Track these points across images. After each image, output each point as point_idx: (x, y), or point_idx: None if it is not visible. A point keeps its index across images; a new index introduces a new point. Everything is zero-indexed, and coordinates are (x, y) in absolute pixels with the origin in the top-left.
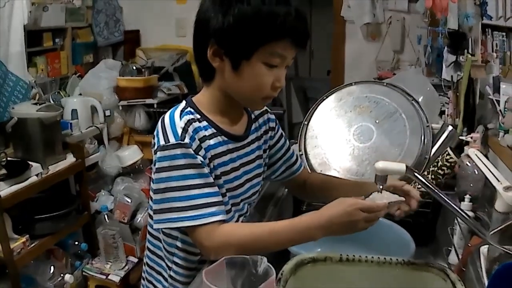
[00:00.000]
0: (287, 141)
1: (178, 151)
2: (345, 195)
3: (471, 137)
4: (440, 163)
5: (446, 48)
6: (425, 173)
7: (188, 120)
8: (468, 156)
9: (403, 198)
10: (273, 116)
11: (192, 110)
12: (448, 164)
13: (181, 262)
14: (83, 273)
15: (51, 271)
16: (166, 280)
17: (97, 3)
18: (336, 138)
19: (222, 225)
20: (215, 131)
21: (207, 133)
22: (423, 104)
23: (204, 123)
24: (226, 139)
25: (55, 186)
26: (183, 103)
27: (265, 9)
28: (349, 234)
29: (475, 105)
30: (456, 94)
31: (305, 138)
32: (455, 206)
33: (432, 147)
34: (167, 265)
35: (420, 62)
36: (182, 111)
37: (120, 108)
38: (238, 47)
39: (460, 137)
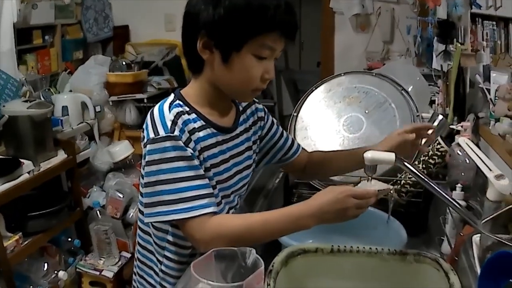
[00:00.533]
0: (280, 127)
1: (168, 143)
2: (340, 166)
3: (462, 126)
4: (431, 152)
5: (435, 37)
6: (416, 162)
7: (178, 113)
8: (459, 145)
9: (391, 187)
10: (260, 106)
11: (181, 103)
12: (439, 154)
13: (172, 256)
14: (77, 269)
15: (45, 268)
16: (157, 274)
17: (86, 0)
18: (326, 129)
19: (213, 217)
20: (204, 123)
21: (196, 125)
22: (413, 93)
23: (193, 115)
24: (215, 131)
25: (47, 183)
26: (172, 96)
27: (256, 1)
28: (341, 221)
29: (466, 94)
30: (446, 84)
31: (294, 129)
32: (446, 196)
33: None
34: (157, 259)
35: (410, 52)
36: (171, 103)
37: (111, 103)
38: (228, 39)
39: (451, 126)
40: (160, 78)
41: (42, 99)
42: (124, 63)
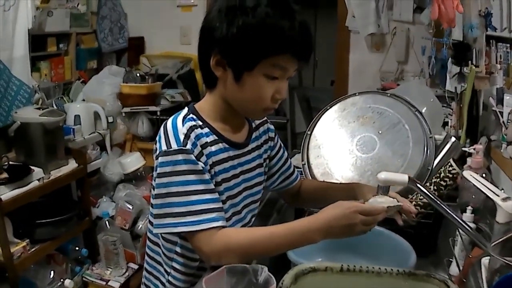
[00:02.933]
0: (285, 152)
1: (180, 156)
2: (334, 198)
3: (474, 149)
4: (442, 174)
5: (450, 59)
6: (428, 184)
7: (191, 127)
8: (470, 167)
9: (401, 203)
10: (272, 127)
11: (194, 117)
12: (450, 176)
13: (180, 267)
14: (83, 278)
15: (51, 276)
16: (163, 285)
17: (102, 9)
18: (339, 148)
19: (221, 230)
20: (216, 137)
21: (208, 139)
22: (427, 115)
23: (206, 129)
24: (227, 146)
25: (57, 191)
26: (185, 110)
27: (269, 22)
28: (348, 237)
29: (479, 116)
30: (460, 106)
31: (308, 147)
32: (457, 218)
33: (435, 158)
34: (165, 270)
35: (424, 73)
36: (184, 117)
37: (123, 114)
38: (241, 59)
39: (463, 149)
40: (174, 91)
41: (55, 107)
42: (138, 74)
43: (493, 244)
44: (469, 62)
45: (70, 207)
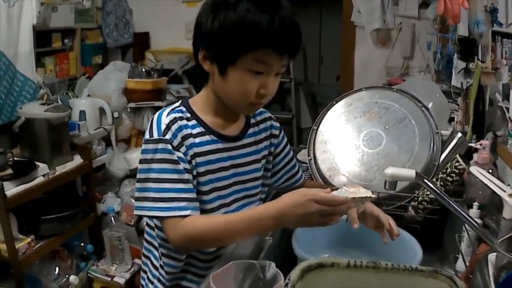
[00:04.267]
0: (291, 152)
1: (159, 145)
2: None
3: (480, 144)
4: (449, 170)
5: (456, 54)
6: (434, 179)
7: (174, 118)
8: (477, 163)
9: (374, 196)
10: (277, 124)
11: (184, 109)
12: (457, 171)
13: (167, 252)
14: (88, 274)
15: (56, 272)
16: (157, 269)
17: (107, 5)
18: (345, 143)
19: (186, 218)
20: (203, 130)
21: (193, 131)
22: (433, 110)
23: (193, 121)
24: (215, 138)
25: (62, 187)
26: (178, 103)
27: (249, 17)
28: (305, 226)
29: (485, 112)
30: (466, 101)
31: (314, 142)
32: (463, 213)
33: (441, 153)
34: (161, 253)
35: (430, 68)
36: (173, 109)
37: (129, 110)
38: (223, 53)
39: (469, 144)
40: (179, 87)
41: (60, 102)
42: (143, 70)
43: (500, 240)
44: (475, 57)
45: (75, 203)
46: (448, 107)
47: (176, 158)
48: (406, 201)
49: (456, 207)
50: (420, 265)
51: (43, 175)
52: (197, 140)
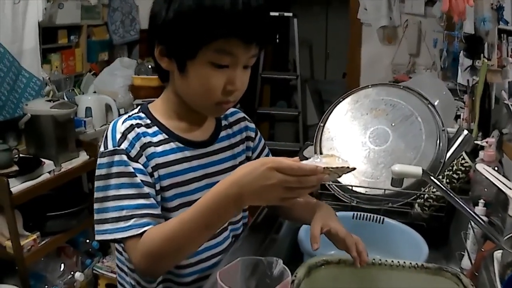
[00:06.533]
0: (270, 154)
1: (115, 157)
2: (298, 214)
3: (486, 142)
4: (455, 167)
5: (462, 52)
6: (440, 177)
7: (131, 125)
8: (483, 160)
9: (354, 167)
10: (253, 125)
11: (142, 115)
12: (463, 169)
13: (140, 280)
14: (94, 271)
15: (62, 269)
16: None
17: (113, 1)
18: (351, 140)
19: (143, 235)
20: (166, 136)
21: (155, 139)
22: (439, 108)
23: (154, 128)
24: (181, 145)
25: (68, 184)
26: (136, 109)
27: (208, 2)
28: (267, 203)
29: (491, 109)
30: (472, 99)
31: (321, 140)
32: (470, 211)
33: (447, 151)
34: (132, 282)
35: (436, 66)
36: (129, 116)
37: (135, 106)
38: (180, 46)
39: (475, 142)
40: None
41: (66, 99)
42: (150, 66)
43: (506, 237)
44: (481, 55)
45: (81, 200)
46: (454, 104)
47: (132, 170)
48: (412, 198)
49: (462, 204)
50: (426, 262)
51: (49, 172)
52: (159, 149)
